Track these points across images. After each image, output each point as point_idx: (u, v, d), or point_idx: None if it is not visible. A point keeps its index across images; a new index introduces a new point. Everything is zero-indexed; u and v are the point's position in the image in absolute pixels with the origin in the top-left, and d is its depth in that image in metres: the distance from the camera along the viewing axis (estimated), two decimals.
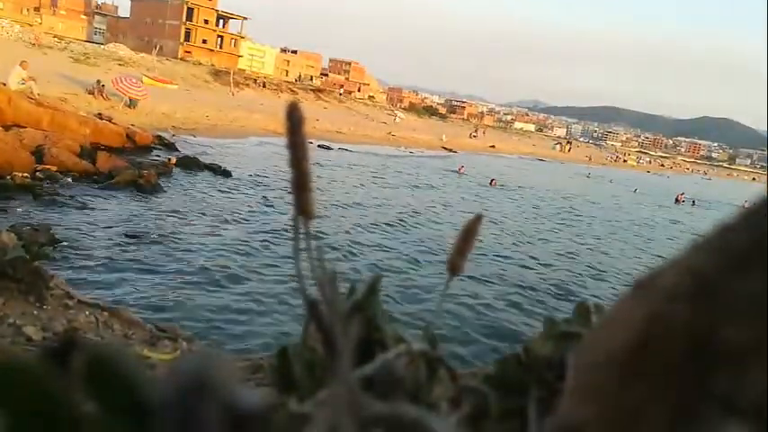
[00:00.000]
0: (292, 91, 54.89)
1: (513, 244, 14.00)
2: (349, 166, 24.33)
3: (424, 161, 33.56)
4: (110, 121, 16.51)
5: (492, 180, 27.31)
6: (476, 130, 72.68)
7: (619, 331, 0.36)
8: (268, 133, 28.31)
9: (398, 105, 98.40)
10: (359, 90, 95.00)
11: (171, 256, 8.60)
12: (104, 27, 73.56)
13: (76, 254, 7.87)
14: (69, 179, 11.31)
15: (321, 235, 10.95)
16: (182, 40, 65.30)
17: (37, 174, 10.78)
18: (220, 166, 16.15)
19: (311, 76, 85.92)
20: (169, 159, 15.29)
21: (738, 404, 0.29)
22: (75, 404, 0.28)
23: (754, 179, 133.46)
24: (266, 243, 10.13)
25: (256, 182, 15.91)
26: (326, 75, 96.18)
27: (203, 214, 11.40)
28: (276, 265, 8.91)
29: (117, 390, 0.29)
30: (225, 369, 0.29)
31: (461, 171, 29.53)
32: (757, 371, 0.29)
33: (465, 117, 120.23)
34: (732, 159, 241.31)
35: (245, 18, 75.72)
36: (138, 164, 13.75)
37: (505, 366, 0.61)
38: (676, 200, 37.94)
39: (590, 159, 72.53)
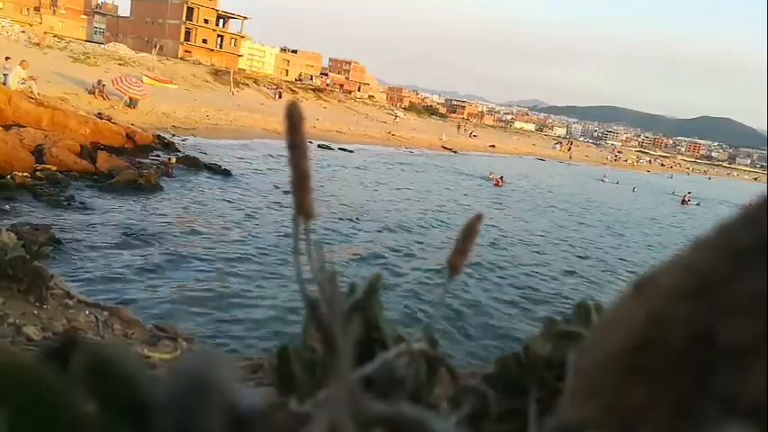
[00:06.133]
0: (292, 90, 54.85)
1: (514, 243, 14.00)
2: (349, 165, 24.33)
3: (423, 160, 33.56)
4: (110, 121, 16.51)
5: (497, 181, 27.37)
6: (458, 128, 72.09)
7: (619, 331, 0.36)
8: (268, 133, 28.31)
9: (398, 105, 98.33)
10: (359, 89, 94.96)
11: (170, 255, 8.60)
12: (104, 26, 73.53)
13: (76, 254, 7.87)
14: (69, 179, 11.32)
15: (320, 235, 10.95)
16: (182, 39, 65.25)
17: (37, 173, 10.78)
18: (220, 166, 16.16)
19: (311, 76, 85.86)
20: (169, 159, 15.29)
21: (739, 404, 0.29)
22: (76, 404, 0.28)
23: (755, 179, 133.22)
24: (266, 242, 10.13)
25: (256, 181, 15.91)
26: (326, 74, 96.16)
27: (203, 214, 11.40)
28: (276, 265, 8.91)
29: (117, 390, 0.29)
30: (225, 369, 0.29)
31: (491, 177, 28.77)
32: (757, 370, 0.29)
33: (465, 117, 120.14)
34: (732, 159, 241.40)
35: (246, 18, 75.68)
36: (138, 163, 13.76)
37: (505, 366, 0.61)
38: (682, 201, 37.35)
39: (573, 158, 71.83)
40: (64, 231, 8.50)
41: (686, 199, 37.66)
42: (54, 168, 11.31)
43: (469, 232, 0.61)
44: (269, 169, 18.20)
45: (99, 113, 17.75)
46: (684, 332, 0.31)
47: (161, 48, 57.49)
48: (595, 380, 0.36)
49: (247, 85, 50.63)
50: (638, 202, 32.90)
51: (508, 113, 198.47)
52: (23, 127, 12.80)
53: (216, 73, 49.23)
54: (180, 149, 17.74)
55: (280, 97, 48.20)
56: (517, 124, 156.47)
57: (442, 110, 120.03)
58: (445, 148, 46.65)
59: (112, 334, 2.15)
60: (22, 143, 11.48)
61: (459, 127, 73.65)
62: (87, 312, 2.25)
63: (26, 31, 38.93)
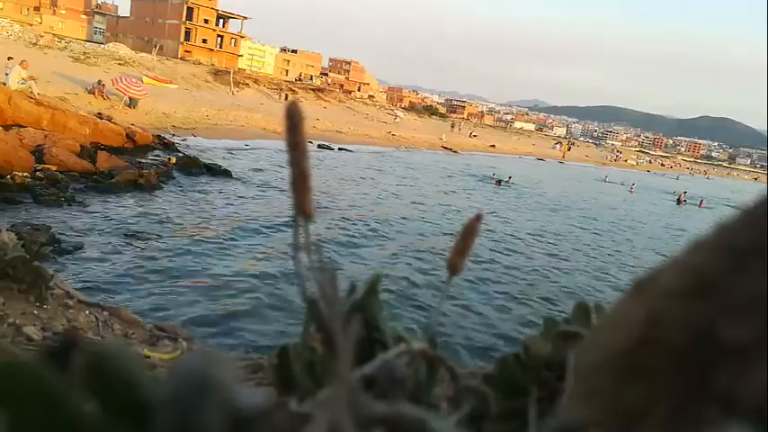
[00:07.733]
0: (292, 90, 54.85)
1: (515, 243, 14.00)
2: (349, 165, 24.33)
3: (423, 160, 33.55)
4: (110, 121, 16.51)
5: (499, 181, 27.36)
6: (452, 126, 71.47)
7: (618, 331, 0.36)
8: (268, 133, 28.32)
9: (398, 105, 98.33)
10: (359, 89, 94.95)
11: (170, 255, 8.60)
12: (104, 26, 73.55)
13: (76, 254, 7.87)
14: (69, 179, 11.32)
15: (320, 234, 10.96)
16: (182, 39, 65.26)
17: (37, 173, 10.77)
18: (220, 166, 16.15)
19: (311, 76, 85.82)
20: (169, 159, 15.29)
21: (739, 404, 0.29)
22: (76, 404, 0.28)
23: (756, 179, 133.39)
24: (265, 242, 10.13)
25: (256, 181, 15.91)
26: (326, 74, 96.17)
27: (203, 214, 11.40)
28: (276, 265, 8.91)
29: (117, 390, 0.29)
30: (225, 369, 0.29)
31: (492, 177, 28.46)
32: (757, 370, 0.29)
33: (465, 116, 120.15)
34: (732, 159, 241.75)
35: (246, 18, 75.67)
36: (137, 163, 13.76)
37: (505, 366, 0.61)
38: (678, 200, 36.73)
39: (572, 158, 71.53)
40: (64, 231, 8.50)
41: (682, 198, 37.05)
42: (54, 168, 11.30)
43: (469, 232, 0.61)
44: (269, 169, 18.20)
45: (99, 113, 17.75)
46: (684, 332, 0.31)
47: (161, 48, 57.47)
48: (595, 380, 0.36)
49: (247, 85, 50.61)
50: (650, 203, 32.86)
51: (508, 113, 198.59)
52: (23, 127, 12.80)
53: (216, 73, 49.23)
54: (180, 149, 17.74)
55: (286, 99, 48.07)
56: (517, 124, 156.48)
57: (442, 110, 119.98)
58: (445, 148, 46.66)
59: (112, 334, 2.15)
60: (22, 143, 11.48)
61: (453, 125, 72.86)
62: (87, 312, 2.25)
63: (41, 36, 38.85)
